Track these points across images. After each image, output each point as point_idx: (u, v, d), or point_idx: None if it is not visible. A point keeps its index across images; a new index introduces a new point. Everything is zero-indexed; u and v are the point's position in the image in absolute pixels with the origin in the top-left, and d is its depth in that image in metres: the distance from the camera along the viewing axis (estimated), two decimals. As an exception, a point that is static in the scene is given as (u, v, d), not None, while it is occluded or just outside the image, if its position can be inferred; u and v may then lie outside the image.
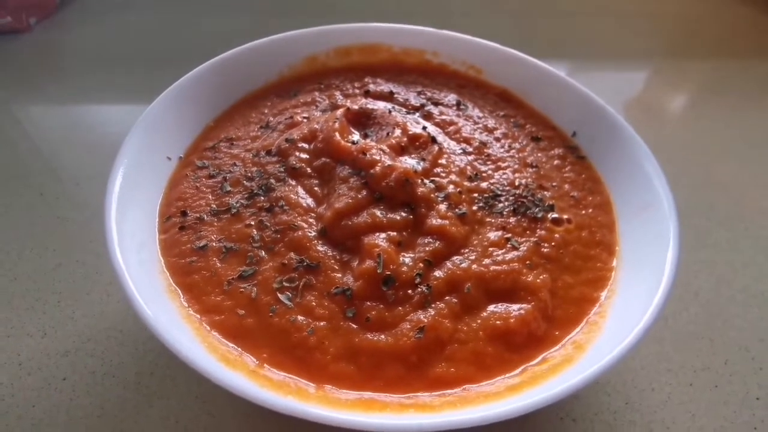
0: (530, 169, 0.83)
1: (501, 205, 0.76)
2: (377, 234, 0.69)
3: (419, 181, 0.74)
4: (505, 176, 0.80)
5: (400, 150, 0.80)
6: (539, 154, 0.86)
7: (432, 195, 0.73)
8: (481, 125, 0.90)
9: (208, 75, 0.87)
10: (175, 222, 0.72)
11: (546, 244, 0.72)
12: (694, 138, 1.16)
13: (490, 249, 0.70)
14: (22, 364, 0.73)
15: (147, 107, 0.77)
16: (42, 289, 0.81)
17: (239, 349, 0.60)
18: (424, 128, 0.84)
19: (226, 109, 0.90)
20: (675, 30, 1.52)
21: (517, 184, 0.79)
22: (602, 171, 0.83)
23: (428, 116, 0.90)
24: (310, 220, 0.72)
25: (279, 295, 0.64)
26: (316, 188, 0.76)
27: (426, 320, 0.62)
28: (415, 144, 0.81)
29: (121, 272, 0.58)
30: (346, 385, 0.58)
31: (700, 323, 0.81)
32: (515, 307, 0.65)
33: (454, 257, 0.69)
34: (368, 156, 0.75)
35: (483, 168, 0.82)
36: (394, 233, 0.69)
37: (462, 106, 0.93)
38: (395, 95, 0.93)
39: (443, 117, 0.90)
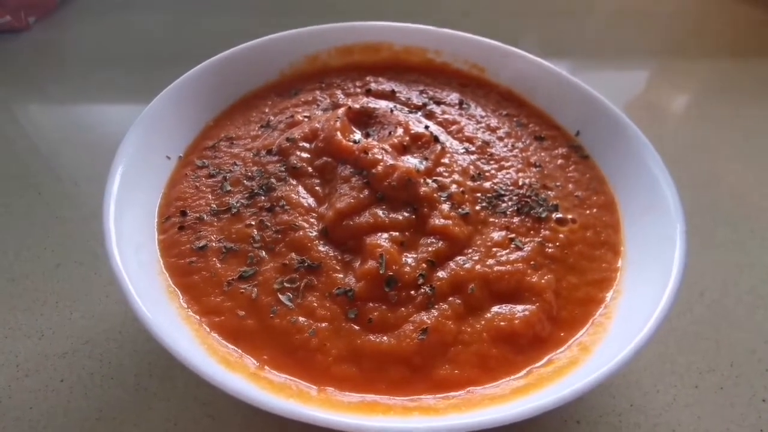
0: (534, 169, 0.82)
1: (504, 204, 0.75)
2: (379, 234, 0.68)
3: (421, 180, 0.73)
4: (508, 176, 0.80)
5: (402, 149, 0.79)
6: (542, 154, 0.85)
7: (434, 195, 0.72)
8: (483, 124, 0.89)
9: (208, 74, 0.86)
10: (174, 222, 0.71)
11: (550, 245, 0.71)
12: (696, 137, 1.15)
13: (494, 249, 0.69)
14: (19, 365, 0.72)
15: (146, 107, 0.77)
16: (40, 289, 0.81)
17: (239, 350, 0.59)
18: (427, 127, 0.83)
19: (226, 108, 0.90)
20: (677, 29, 1.51)
21: (520, 183, 0.78)
22: (606, 170, 0.82)
23: (430, 115, 0.89)
24: (312, 220, 0.71)
25: (280, 295, 0.63)
26: (317, 188, 0.75)
27: (429, 321, 0.61)
28: (417, 143, 0.81)
29: (119, 273, 0.57)
30: (349, 388, 0.57)
31: (705, 324, 0.80)
32: (520, 308, 0.64)
33: (458, 258, 0.68)
34: (370, 155, 0.74)
35: (486, 167, 0.81)
36: (397, 233, 0.69)
37: (464, 105, 0.92)
38: (397, 94, 0.92)
39: (445, 116, 0.89)
